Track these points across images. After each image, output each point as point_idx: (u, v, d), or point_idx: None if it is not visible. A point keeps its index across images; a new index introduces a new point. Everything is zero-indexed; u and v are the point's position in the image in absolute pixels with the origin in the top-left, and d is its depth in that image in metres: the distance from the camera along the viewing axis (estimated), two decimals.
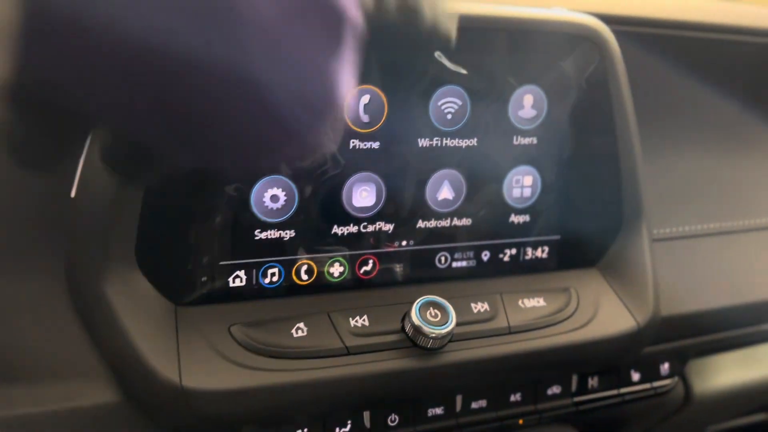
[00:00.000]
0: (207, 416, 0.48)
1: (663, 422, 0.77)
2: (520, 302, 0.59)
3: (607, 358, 0.62)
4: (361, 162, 0.55)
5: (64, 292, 0.49)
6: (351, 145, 0.54)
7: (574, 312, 0.60)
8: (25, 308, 0.49)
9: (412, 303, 0.54)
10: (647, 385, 0.69)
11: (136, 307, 0.49)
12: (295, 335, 0.52)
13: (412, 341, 0.53)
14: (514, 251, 0.63)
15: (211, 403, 0.48)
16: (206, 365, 0.48)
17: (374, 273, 0.58)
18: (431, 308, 0.54)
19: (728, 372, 0.79)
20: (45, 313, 0.49)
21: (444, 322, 0.53)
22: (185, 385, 0.47)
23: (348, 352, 0.52)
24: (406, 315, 0.54)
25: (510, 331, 0.57)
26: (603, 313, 0.61)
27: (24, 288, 0.49)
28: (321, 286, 0.57)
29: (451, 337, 0.54)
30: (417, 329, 0.53)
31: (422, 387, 0.56)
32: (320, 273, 0.57)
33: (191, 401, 0.47)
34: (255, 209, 0.53)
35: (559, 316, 0.59)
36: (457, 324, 0.54)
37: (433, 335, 0.53)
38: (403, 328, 0.54)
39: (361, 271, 0.58)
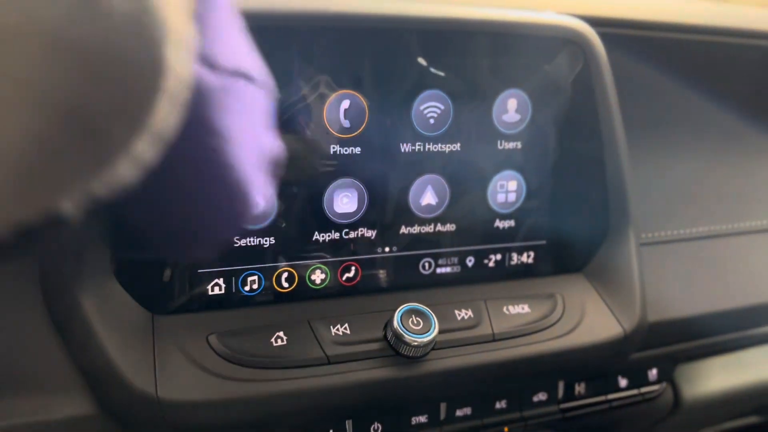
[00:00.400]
0: (183, 428, 0.47)
1: (652, 428, 0.76)
2: (504, 309, 0.59)
3: (594, 365, 0.61)
4: (342, 168, 0.54)
5: (38, 302, 0.48)
6: (332, 150, 0.53)
7: (559, 318, 0.59)
8: None
9: (394, 310, 0.53)
10: (635, 391, 0.69)
11: (111, 317, 0.48)
12: (274, 344, 0.51)
13: (394, 350, 0.53)
14: (499, 257, 0.62)
15: (188, 414, 0.47)
16: (183, 376, 0.48)
17: (357, 280, 0.57)
18: (413, 316, 0.53)
19: (717, 377, 0.78)
20: (19, 323, 0.48)
21: (426, 330, 0.52)
22: (161, 397, 0.46)
23: (329, 361, 0.51)
24: (388, 323, 0.53)
25: (494, 338, 0.56)
26: (589, 319, 0.60)
27: None
28: (302, 293, 0.56)
29: (433, 345, 0.53)
30: (399, 338, 0.52)
31: (405, 396, 0.55)
32: (301, 280, 0.56)
33: (167, 413, 0.46)
34: None
35: (544, 322, 0.58)
36: (441, 331, 0.53)
37: (415, 344, 0.52)
38: (385, 336, 0.53)
39: (344, 278, 0.57)
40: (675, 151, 0.75)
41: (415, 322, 0.53)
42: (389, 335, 0.53)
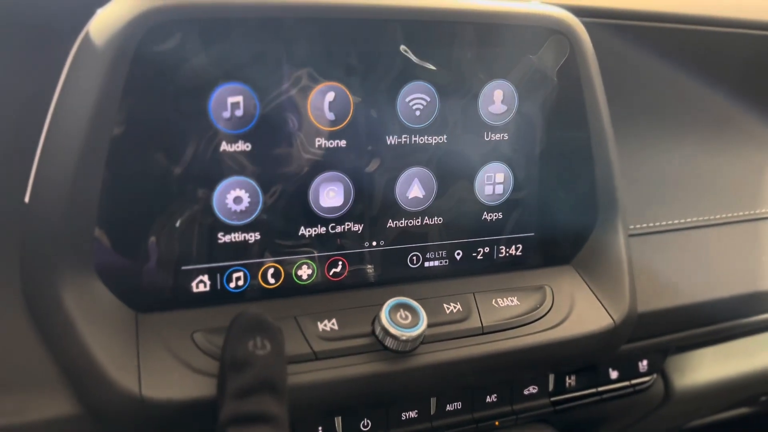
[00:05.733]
0: (168, 428, 0.46)
1: (643, 419, 0.76)
2: (493, 302, 0.58)
3: (584, 357, 0.61)
4: (327, 161, 0.54)
5: (18, 300, 0.47)
6: (317, 143, 0.53)
7: (548, 311, 0.59)
8: None
9: (382, 305, 0.52)
10: (626, 383, 0.68)
11: (94, 314, 0.47)
12: None
13: (383, 344, 0.52)
14: (487, 249, 0.62)
15: (173, 413, 0.46)
16: (167, 374, 0.47)
17: (344, 275, 0.57)
18: (401, 310, 0.53)
19: (708, 367, 0.78)
20: None
21: (414, 324, 0.52)
22: (145, 395, 0.45)
23: (316, 357, 0.51)
24: (376, 318, 0.53)
25: (483, 331, 0.56)
26: (578, 311, 0.60)
27: None
28: (289, 289, 0.55)
29: (422, 339, 0.53)
30: (387, 332, 0.51)
31: (394, 391, 0.54)
32: (288, 276, 0.55)
33: (151, 412, 0.45)
34: (218, 212, 0.51)
35: (533, 315, 0.58)
36: (429, 325, 0.53)
37: (404, 338, 0.51)
38: (373, 331, 0.53)
39: (331, 273, 0.56)
40: (663, 141, 0.75)
41: (404, 316, 0.52)
42: (377, 330, 0.52)
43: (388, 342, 0.52)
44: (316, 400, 0.51)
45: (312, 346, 0.51)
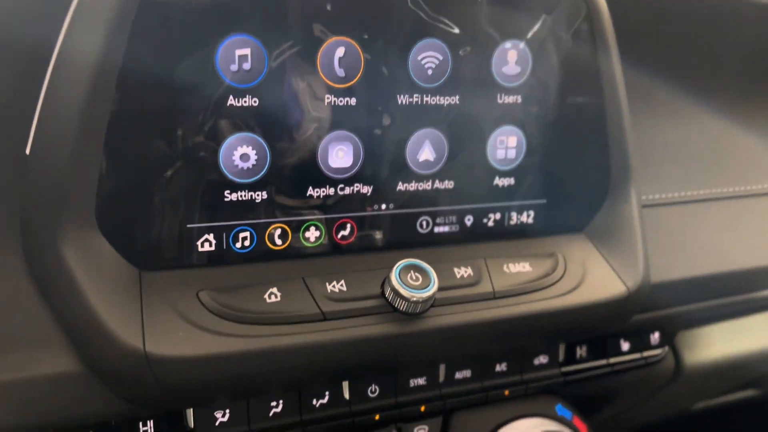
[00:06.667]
0: (173, 385, 0.45)
1: (653, 396, 0.75)
2: (505, 267, 0.57)
3: (596, 325, 0.59)
4: (336, 119, 0.52)
5: (17, 256, 0.46)
6: (326, 101, 0.51)
7: (561, 277, 0.57)
8: None
9: (392, 267, 0.51)
10: (637, 355, 0.67)
11: (97, 271, 0.45)
12: (268, 300, 0.49)
13: (393, 306, 0.51)
14: (498, 216, 0.60)
15: (178, 370, 0.45)
16: (172, 332, 0.45)
17: (352, 238, 0.56)
18: (412, 271, 0.51)
19: (718, 344, 0.77)
20: None
21: (425, 285, 0.51)
22: (149, 352, 0.44)
23: (324, 317, 0.49)
24: (386, 279, 0.51)
25: (495, 296, 0.54)
26: (591, 278, 0.58)
27: None
28: (296, 251, 0.54)
29: (433, 302, 0.52)
30: (397, 293, 0.50)
31: (403, 354, 0.53)
32: (295, 238, 0.54)
33: (156, 369, 0.44)
34: (224, 169, 0.50)
35: (546, 281, 0.57)
36: (440, 289, 0.51)
37: (414, 299, 0.50)
38: (383, 293, 0.52)
39: (339, 236, 0.55)
40: (677, 112, 0.73)
41: (414, 277, 0.51)
42: (387, 291, 0.51)
43: (399, 303, 0.50)
44: (324, 360, 0.49)
45: (320, 306, 0.49)
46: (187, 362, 0.45)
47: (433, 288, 0.50)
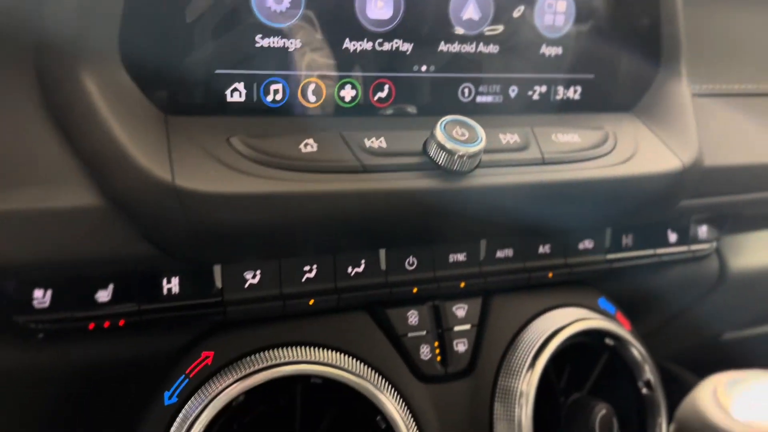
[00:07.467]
0: (202, 225, 0.41)
1: (696, 304, 0.71)
2: (553, 136, 0.53)
3: (647, 202, 0.55)
4: None
5: (33, 86, 0.42)
6: None
7: (613, 149, 0.54)
8: None
9: (436, 124, 0.47)
10: (684, 248, 0.63)
11: (119, 104, 0.42)
12: (303, 150, 0.45)
13: (436, 164, 0.47)
14: (544, 89, 0.56)
15: (208, 208, 0.41)
16: (202, 169, 0.42)
17: (390, 101, 0.52)
18: (458, 127, 0.47)
19: (762, 252, 0.74)
20: (11, 109, 0.41)
21: (473, 140, 0.47)
22: (179, 185, 0.40)
23: (364, 169, 0.45)
24: (430, 138, 0.47)
25: (544, 161, 0.51)
26: (643, 151, 0.54)
27: None
28: (330, 110, 0.50)
29: (479, 162, 0.48)
30: (442, 147, 0.46)
31: (444, 218, 0.49)
32: (329, 95, 0.50)
33: (186, 203, 0.40)
34: (256, 10, 0.46)
35: (597, 151, 0.53)
36: (486, 151, 0.48)
37: (461, 152, 0.46)
38: (425, 151, 0.48)
39: (375, 97, 0.51)
40: (735, 3, 0.69)
41: (460, 133, 0.47)
42: (431, 147, 0.47)
43: (443, 159, 0.47)
44: (361, 214, 0.45)
45: (360, 158, 0.46)
46: (219, 199, 0.41)
47: (480, 143, 0.47)
